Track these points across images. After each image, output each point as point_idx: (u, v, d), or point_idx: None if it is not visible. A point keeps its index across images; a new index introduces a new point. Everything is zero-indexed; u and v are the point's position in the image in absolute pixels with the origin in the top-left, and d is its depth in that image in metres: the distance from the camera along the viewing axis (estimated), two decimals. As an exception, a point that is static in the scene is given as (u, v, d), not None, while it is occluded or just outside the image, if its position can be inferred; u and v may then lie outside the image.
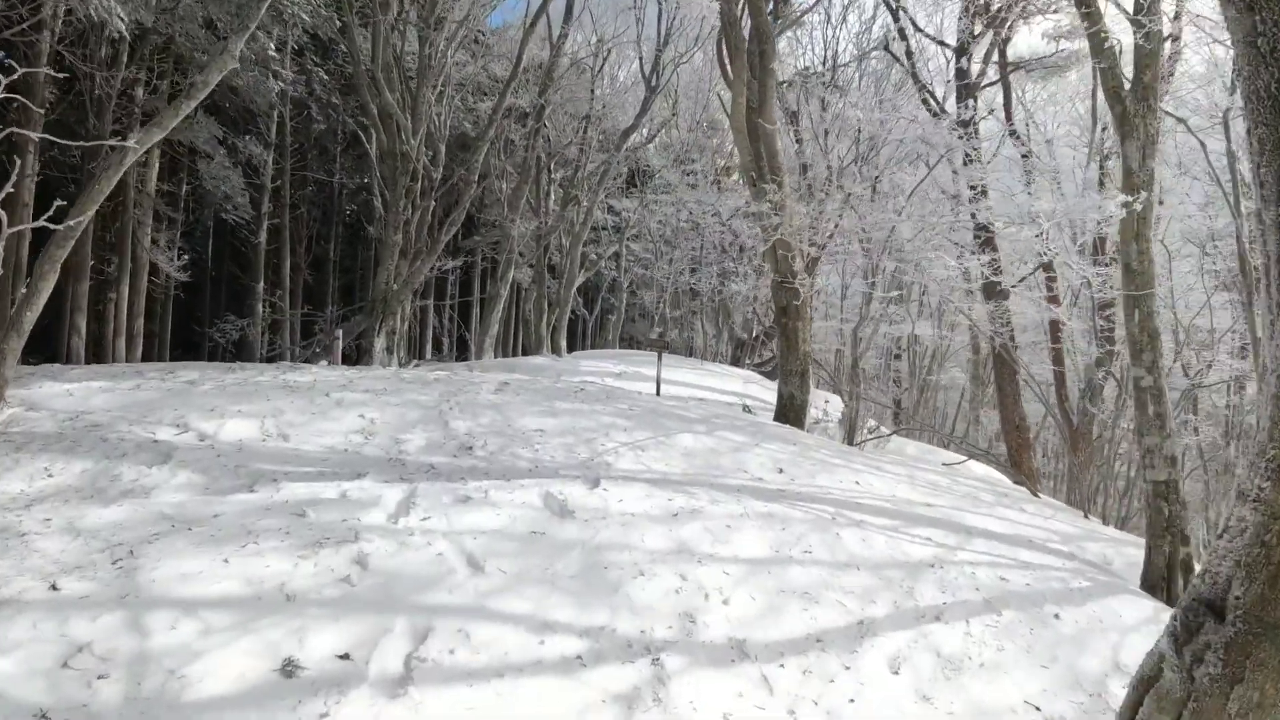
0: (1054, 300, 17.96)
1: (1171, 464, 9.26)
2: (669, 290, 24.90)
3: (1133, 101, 9.51)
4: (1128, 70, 9.90)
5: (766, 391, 20.42)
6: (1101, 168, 18.37)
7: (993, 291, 17.32)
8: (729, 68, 13.21)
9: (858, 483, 10.23)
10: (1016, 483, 17.55)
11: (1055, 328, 18.00)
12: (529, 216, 20.29)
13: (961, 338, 23.80)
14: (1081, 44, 18.53)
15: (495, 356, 20.76)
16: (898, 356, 25.67)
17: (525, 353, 23.25)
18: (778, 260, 13.46)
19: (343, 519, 6.00)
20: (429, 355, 22.57)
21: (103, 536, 5.30)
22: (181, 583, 4.77)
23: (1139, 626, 7.13)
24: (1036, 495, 13.51)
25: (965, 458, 15.77)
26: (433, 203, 15.91)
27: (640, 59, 19.42)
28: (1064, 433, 18.06)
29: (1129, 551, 10.17)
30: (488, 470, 8.00)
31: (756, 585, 6.56)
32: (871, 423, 15.80)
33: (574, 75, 21.08)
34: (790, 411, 13.48)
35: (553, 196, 22.35)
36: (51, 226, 6.97)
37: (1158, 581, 8.96)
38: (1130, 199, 9.68)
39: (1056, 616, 7.01)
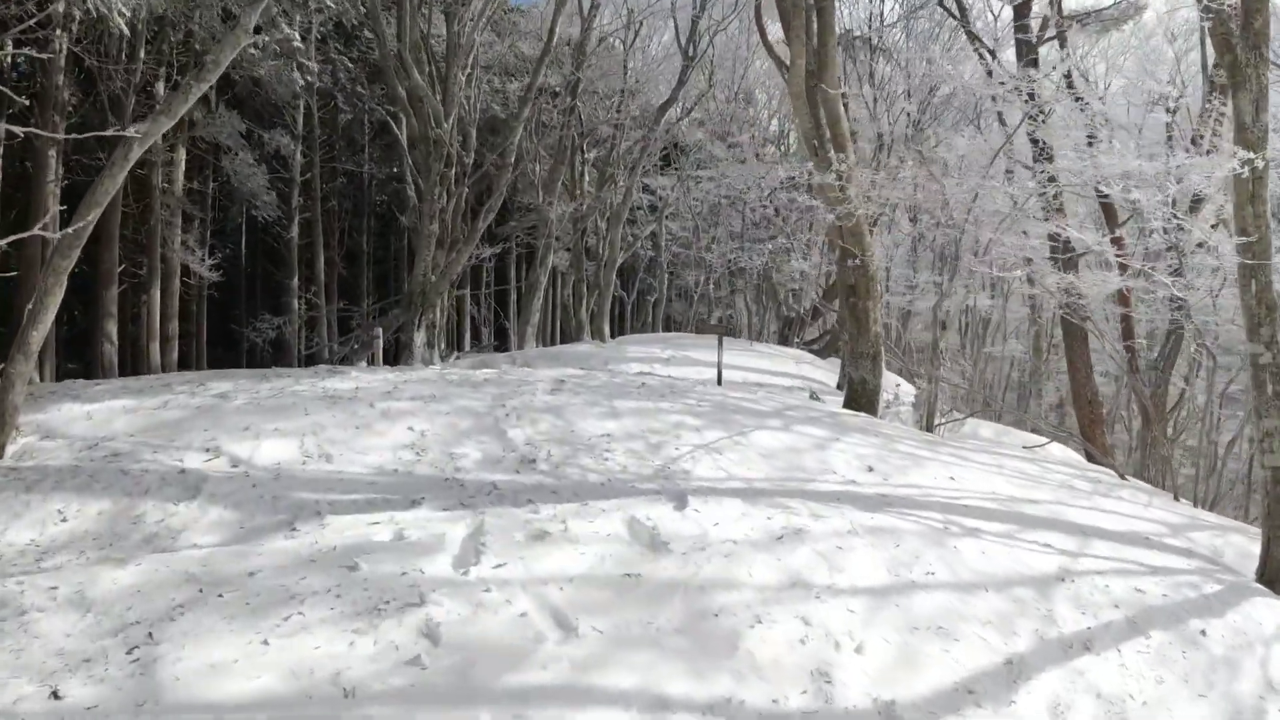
0: (1124, 267, 16.55)
1: None
2: (715, 269, 23.70)
3: (1244, 49, 8.32)
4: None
5: (820, 372, 19.22)
6: (1169, 125, 16.76)
7: (1068, 260, 15.97)
8: (785, 31, 11.94)
9: (952, 478, 9.11)
10: (1095, 462, 16.29)
11: (1124, 297, 16.60)
12: (564, 199, 19.15)
13: (1015, 309, 22.40)
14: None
15: (537, 345, 19.68)
16: (944, 326, 24.27)
17: (566, 339, 22.16)
18: (845, 235, 12.22)
19: (402, 571, 4.95)
20: (467, 346, 21.55)
21: (116, 612, 4.30)
22: (211, 678, 3.74)
23: (1280, 635, 6.16)
24: (1124, 478, 12.24)
25: (1045, 440, 14.52)
26: (466, 189, 14.80)
27: (676, 28, 18.17)
28: (1142, 406, 16.75)
29: (1236, 540, 9.30)
30: (557, 489, 6.95)
31: (886, 623, 5.54)
32: (943, 406, 14.60)
33: (605, 51, 19.84)
34: (862, 397, 12.30)
35: (587, 178, 21.18)
36: (46, 236, 5.91)
37: (1276, 574, 8.03)
38: (1251, 156, 8.46)
39: (1203, 633, 6.30)
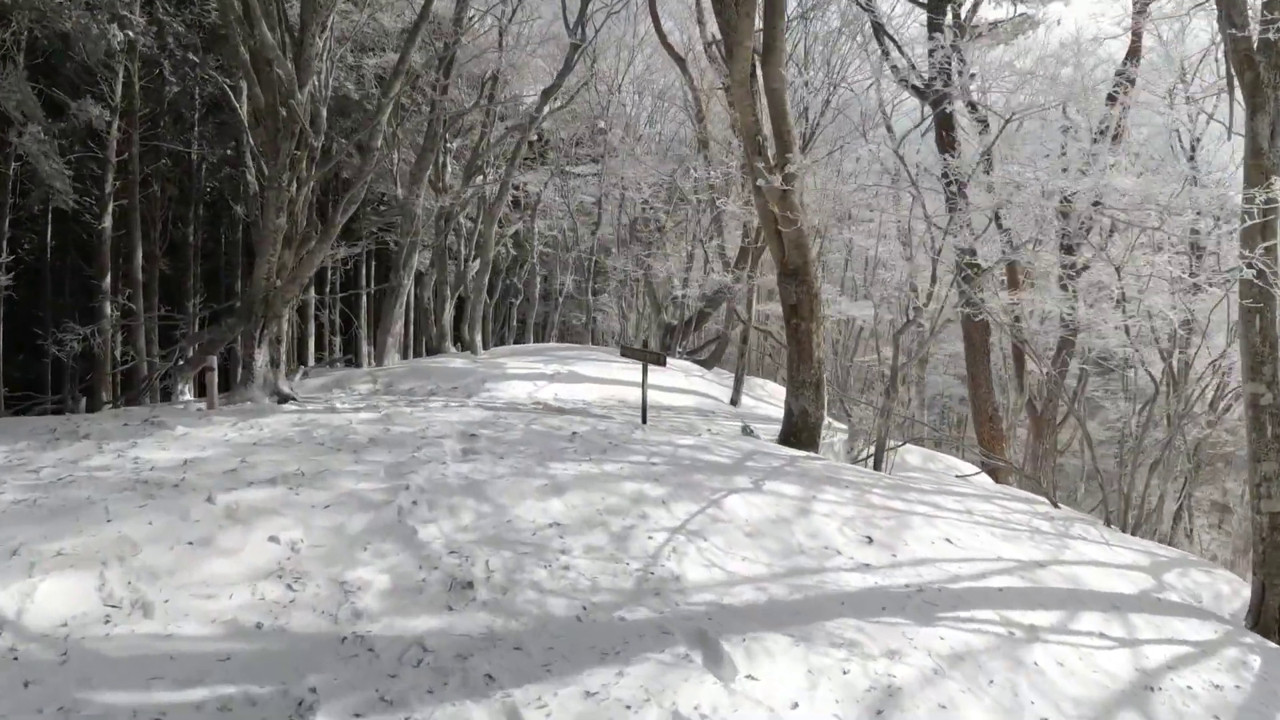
0: (1014, 284, 15.25)
1: None
2: (585, 270, 21.08)
3: (1266, 68, 7.44)
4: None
5: (713, 386, 17.03)
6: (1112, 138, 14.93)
7: (973, 273, 14.47)
8: (720, 10, 9.49)
9: (948, 540, 7.36)
10: (998, 477, 14.98)
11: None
12: (429, 194, 16.06)
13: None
14: (1050, 7, 15.72)
15: (398, 358, 16.45)
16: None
17: (428, 350, 18.96)
18: (785, 246, 9.98)
19: None
20: (312, 360, 17.91)
21: None
22: None
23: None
24: (1057, 505, 10.73)
25: (975, 469, 12.92)
26: (313, 178, 11.58)
27: (564, 6, 15.41)
28: (1033, 420, 15.60)
29: (1198, 577, 8.78)
30: (519, 641, 4.39)
31: None
32: (867, 430, 12.74)
33: (477, 30, 16.81)
34: (803, 432, 10.14)
35: (450, 169, 18.09)
36: None
37: (1271, 623, 7.48)
38: (1269, 185, 7.59)
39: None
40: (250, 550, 4.88)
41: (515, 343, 24.71)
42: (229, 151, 18.48)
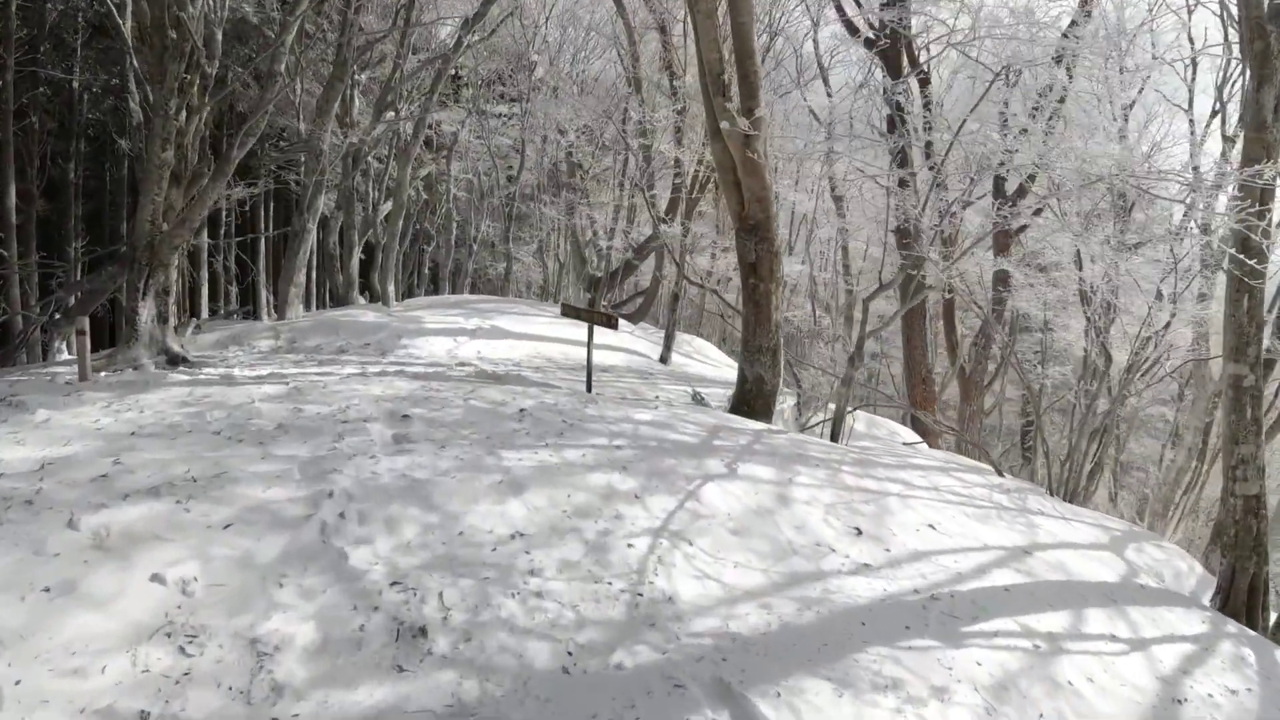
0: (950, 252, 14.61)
1: (1261, 475, 7.52)
2: (505, 217, 19.32)
3: (1278, 39, 6.92)
4: None
5: (641, 342, 15.92)
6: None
7: (905, 234, 13.73)
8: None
9: (932, 527, 6.67)
10: (930, 439, 14.53)
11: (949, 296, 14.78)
12: (336, 130, 14.22)
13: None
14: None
15: (303, 310, 14.68)
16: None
17: (334, 301, 17.13)
18: (744, 199, 8.88)
19: None
20: (205, 313, 15.83)
21: None
22: None
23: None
24: (1001, 474, 10.21)
25: (918, 439, 12.29)
26: (208, 107, 9.79)
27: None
28: (962, 383, 15.16)
29: (1153, 553, 8.42)
30: (497, 711, 3.25)
31: None
32: (813, 395, 11.90)
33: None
34: (757, 400, 9.19)
35: (358, 104, 16.18)
36: None
37: (1240, 606, 7.36)
38: (1266, 164, 7.05)
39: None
40: (129, 596, 3.56)
41: (427, 293, 22.96)
42: (114, 80, 15.97)
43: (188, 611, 3.54)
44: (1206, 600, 7.74)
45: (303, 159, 14.46)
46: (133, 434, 5.18)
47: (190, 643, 3.39)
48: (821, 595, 5.11)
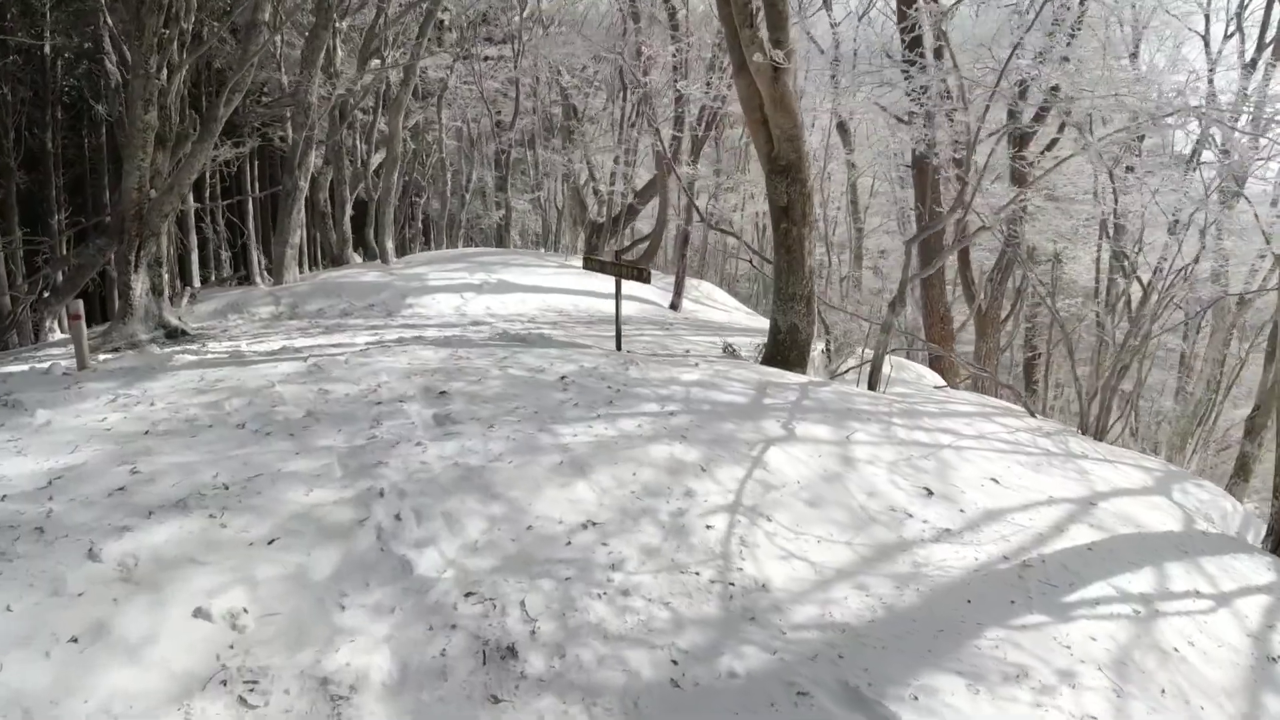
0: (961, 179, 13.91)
1: None
2: (502, 165, 18.36)
3: None
4: None
5: (648, 289, 15.20)
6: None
7: (923, 168, 13.07)
8: None
9: (996, 481, 6.16)
10: (953, 382, 14.06)
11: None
12: (323, 82, 13.25)
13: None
14: None
15: (300, 272, 13.91)
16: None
17: (331, 261, 16.29)
18: (775, 139, 8.19)
19: None
20: (197, 281, 14.93)
21: None
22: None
23: None
24: (1034, 415, 9.74)
25: (945, 383, 11.79)
26: (187, 64, 8.94)
27: None
28: (978, 320, 14.63)
29: (1201, 495, 7.96)
30: None
31: None
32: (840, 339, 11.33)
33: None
34: (792, 350, 8.62)
35: (340, 54, 15.15)
36: None
37: None
38: None
39: None
40: (171, 638, 2.98)
41: (422, 247, 22.10)
42: (87, 44, 14.81)
43: (242, 651, 2.98)
44: (1257, 541, 7.44)
45: (288, 114, 13.53)
46: (147, 433, 4.55)
47: (251, 690, 2.83)
48: (914, 570, 4.63)
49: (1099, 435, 11.41)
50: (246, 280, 15.52)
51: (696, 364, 7.27)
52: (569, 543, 4.03)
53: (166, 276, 10.81)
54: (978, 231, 9.35)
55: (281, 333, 10.04)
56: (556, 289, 13.66)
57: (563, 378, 6.08)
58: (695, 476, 4.99)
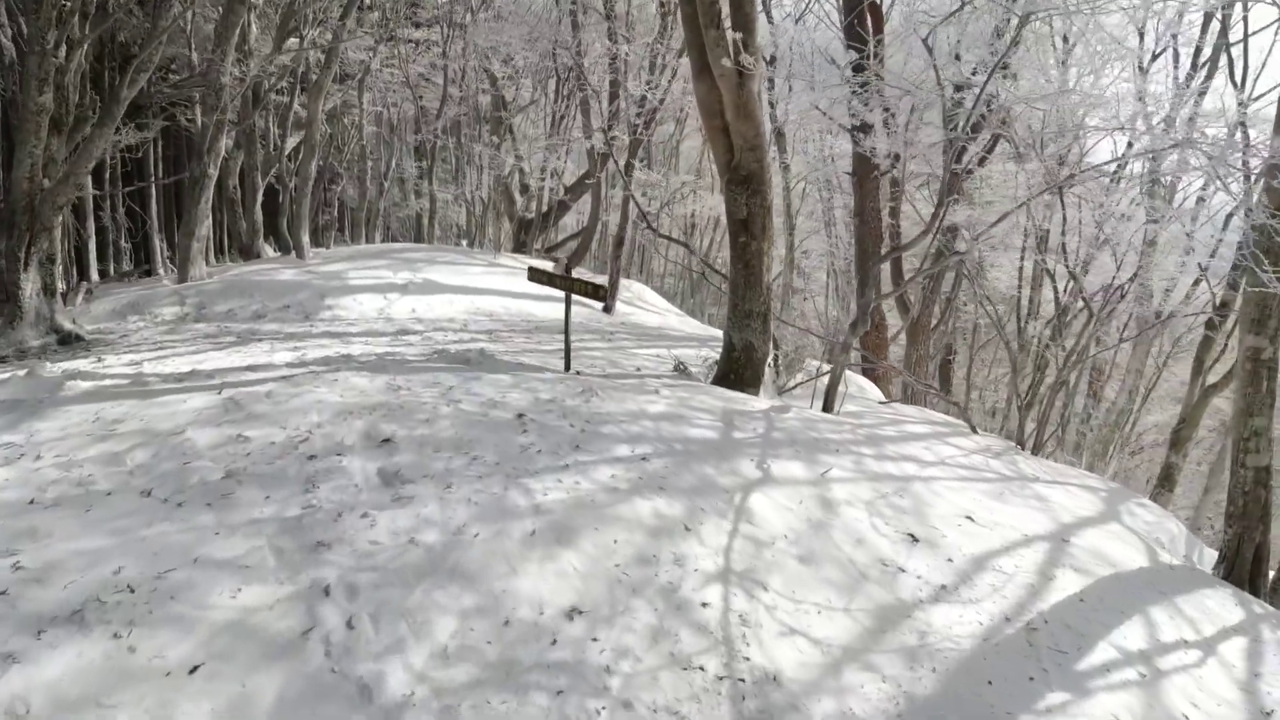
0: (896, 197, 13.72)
1: (1270, 447, 7.12)
2: (426, 154, 17.12)
3: None
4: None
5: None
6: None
7: (862, 171, 12.76)
8: None
9: (971, 519, 5.79)
10: (871, 381, 13.89)
11: (894, 214, 13.88)
12: (237, 60, 11.97)
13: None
14: None
15: (207, 265, 12.62)
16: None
17: (240, 253, 14.91)
18: (736, 148, 7.62)
19: None
20: (95, 274, 13.33)
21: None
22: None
23: None
24: (975, 430, 9.56)
25: (892, 398, 11.51)
26: (88, 39, 7.77)
27: None
28: (911, 327, 14.50)
29: (1147, 517, 7.90)
30: None
31: None
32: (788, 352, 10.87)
33: None
34: (746, 369, 8.09)
35: (254, 31, 13.81)
36: None
37: (1244, 574, 6.98)
38: None
39: None
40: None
41: (340, 238, 20.72)
42: None
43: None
44: (1206, 567, 7.39)
45: (197, 96, 12.21)
46: (32, 503, 3.66)
47: None
48: (921, 641, 4.18)
49: (1035, 449, 11.39)
50: (149, 274, 14.07)
51: (657, 390, 6.65)
52: (555, 640, 3.37)
53: (60, 273, 9.55)
54: (953, 255, 8.98)
55: (188, 341, 8.95)
56: (485, 290, 12.81)
57: (520, 415, 5.37)
58: (681, 537, 4.40)
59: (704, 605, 3.92)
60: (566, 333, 7.50)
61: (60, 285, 9.45)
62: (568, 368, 7.47)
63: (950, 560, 5.11)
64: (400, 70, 16.68)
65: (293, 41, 13.70)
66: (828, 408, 8.54)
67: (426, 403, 5.41)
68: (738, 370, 8.11)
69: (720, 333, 15.20)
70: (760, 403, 7.31)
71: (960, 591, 4.79)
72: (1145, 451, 16.85)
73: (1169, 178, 10.50)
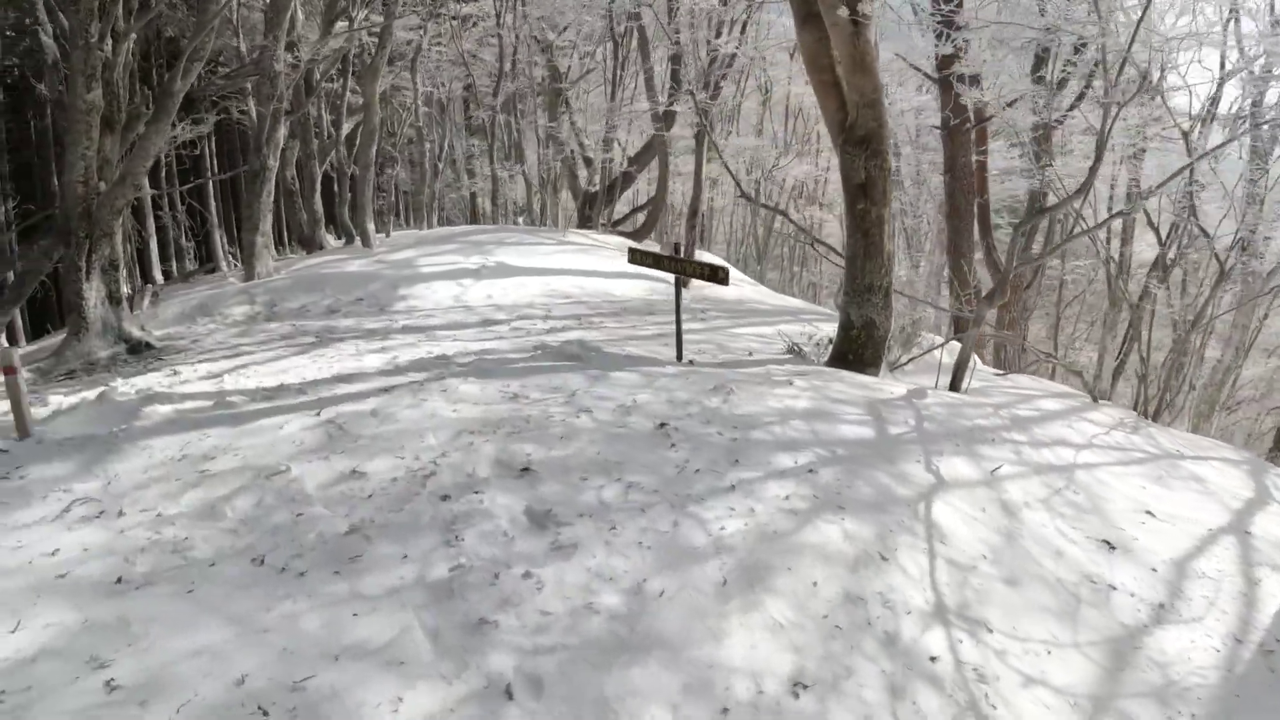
0: (982, 130, 12.51)
1: None
2: (487, 133, 16.24)
3: None
4: None
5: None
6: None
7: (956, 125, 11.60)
8: None
9: (1150, 513, 5.01)
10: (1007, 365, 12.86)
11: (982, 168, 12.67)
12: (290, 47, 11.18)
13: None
14: None
15: (273, 260, 11.98)
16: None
17: (302, 244, 14.27)
18: (851, 105, 6.63)
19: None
20: (160, 276, 12.77)
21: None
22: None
23: None
24: (1096, 400, 8.52)
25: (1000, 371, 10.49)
26: (135, 34, 7.01)
27: None
28: (998, 280, 13.28)
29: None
30: None
31: None
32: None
33: None
34: (866, 349, 7.15)
35: (300, 18, 12.98)
36: None
37: None
38: None
39: None
40: None
41: (398, 224, 20.02)
42: (26, 19, 12.39)
43: None
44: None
45: (249, 86, 11.47)
46: (119, 581, 2.92)
47: None
48: (1165, 679, 3.52)
49: (1155, 416, 10.31)
50: (213, 270, 13.47)
51: (790, 381, 5.76)
52: (790, 732, 2.57)
53: (124, 277, 8.93)
54: (1117, 214, 7.83)
55: (264, 343, 8.26)
56: (558, 270, 11.97)
57: (662, 424, 4.53)
58: (880, 569, 3.58)
59: (932, 659, 3.10)
60: (678, 320, 6.62)
61: (125, 289, 8.83)
62: (680, 357, 6.62)
63: (1154, 570, 4.37)
64: (453, 46, 15.73)
65: (342, 24, 12.86)
66: (955, 386, 7.58)
67: (554, 414, 4.59)
68: (856, 350, 7.18)
69: (801, 303, 14.23)
70: (895, 387, 6.40)
71: (1179, 609, 4.06)
72: (1242, 407, 15.54)
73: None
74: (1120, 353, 14.54)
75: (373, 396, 5.01)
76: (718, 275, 6.03)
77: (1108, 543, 4.49)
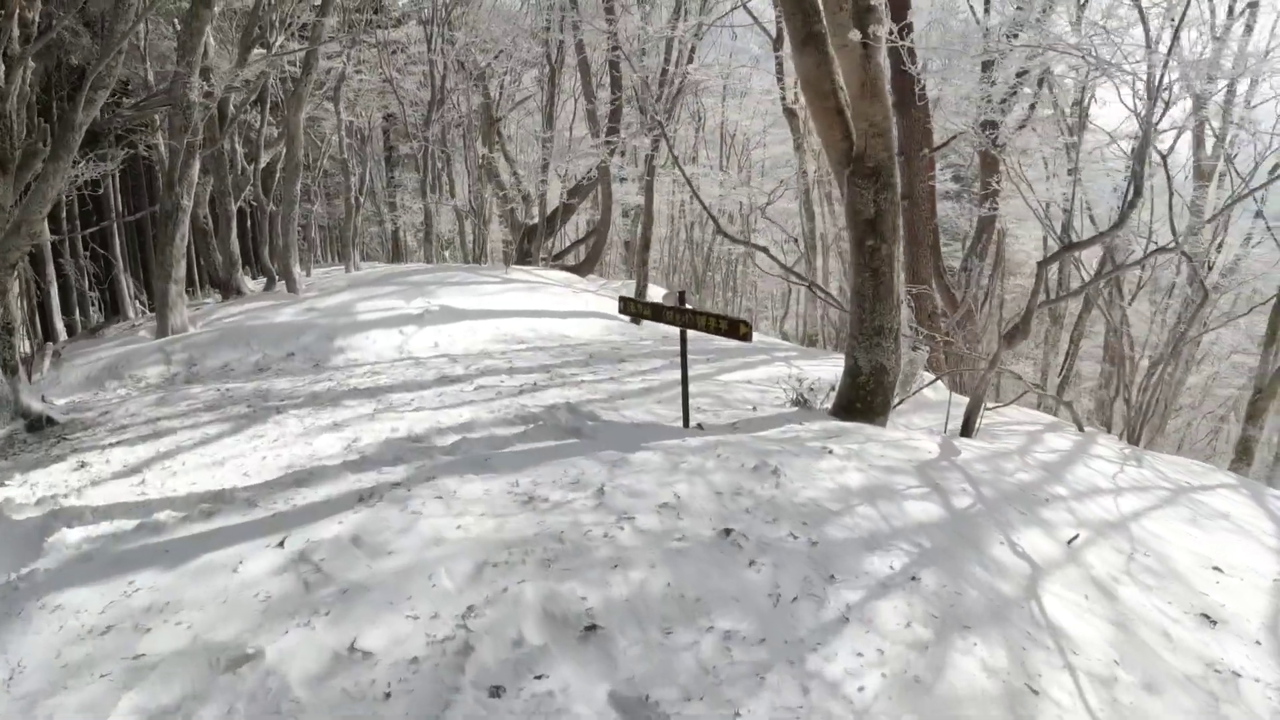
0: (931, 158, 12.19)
1: None
2: (420, 167, 14.90)
3: None
4: None
5: (601, 300, 12.66)
6: None
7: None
8: None
9: (1219, 569, 4.48)
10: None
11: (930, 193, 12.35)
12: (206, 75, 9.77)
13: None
14: None
15: (187, 310, 10.44)
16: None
17: (216, 287, 12.64)
18: (858, 133, 5.92)
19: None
20: (60, 333, 10.92)
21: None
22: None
23: None
24: (1082, 429, 8.11)
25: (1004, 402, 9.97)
26: (30, 64, 5.70)
27: None
28: (952, 305, 12.96)
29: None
30: None
31: None
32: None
33: None
34: (876, 396, 6.39)
35: (213, 45, 11.52)
36: None
37: None
38: None
39: None
40: None
41: (318, 263, 18.42)
42: None
43: None
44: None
45: (159, 120, 10.00)
46: None
47: None
48: None
49: (1136, 440, 10.00)
50: (121, 319, 11.74)
51: (827, 449, 4.91)
52: None
53: (23, 334, 7.44)
54: (1159, 250, 7.28)
55: (186, 416, 6.90)
56: (506, 311, 10.88)
57: (727, 531, 3.60)
58: (1035, 707, 2.77)
59: None
60: (684, 381, 5.68)
61: (23, 347, 7.35)
62: (686, 422, 5.70)
63: (1259, 643, 3.73)
64: (379, 74, 14.42)
65: (258, 52, 11.47)
66: (967, 430, 6.92)
67: (587, 525, 3.59)
68: (865, 398, 6.40)
69: (768, 339, 13.46)
70: (924, 441, 5.65)
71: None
72: (1181, 413, 15.74)
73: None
74: (1062, 369, 14.41)
75: (347, 510, 3.89)
76: (738, 330, 5.13)
77: (1206, 616, 3.86)
